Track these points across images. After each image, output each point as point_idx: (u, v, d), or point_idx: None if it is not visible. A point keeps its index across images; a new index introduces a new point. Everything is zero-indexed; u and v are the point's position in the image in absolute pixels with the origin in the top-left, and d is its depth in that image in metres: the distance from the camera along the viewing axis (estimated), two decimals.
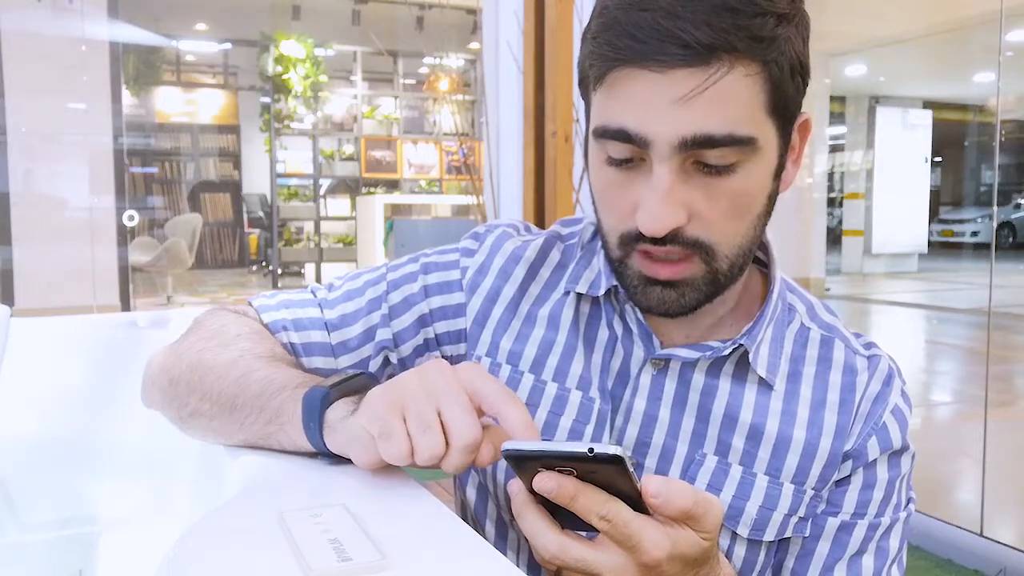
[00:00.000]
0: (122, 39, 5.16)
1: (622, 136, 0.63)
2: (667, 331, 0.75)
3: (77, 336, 1.37)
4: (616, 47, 0.61)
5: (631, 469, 0.51)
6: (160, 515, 0.57)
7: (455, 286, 0.81)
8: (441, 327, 0.81)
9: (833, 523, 0.72)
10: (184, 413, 0.74)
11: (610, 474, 0.51)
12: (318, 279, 8.97)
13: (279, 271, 8.99)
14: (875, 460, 0.72)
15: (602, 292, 0.75)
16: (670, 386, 0.73)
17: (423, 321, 0.81)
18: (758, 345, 0.72)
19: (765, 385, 0.72)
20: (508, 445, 0.52)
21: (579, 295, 0.78)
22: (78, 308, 4.64)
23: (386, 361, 0.82)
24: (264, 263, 10.21)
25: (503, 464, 0.74)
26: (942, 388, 4.72)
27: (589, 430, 0.74)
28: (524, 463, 0.53)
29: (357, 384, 0.67)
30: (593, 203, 0.72)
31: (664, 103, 0.60)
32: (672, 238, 0.64)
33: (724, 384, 0.73)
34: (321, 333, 0.81)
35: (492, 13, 2.90)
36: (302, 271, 9.61)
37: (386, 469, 0.64)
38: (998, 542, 2.35)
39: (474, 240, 0.84)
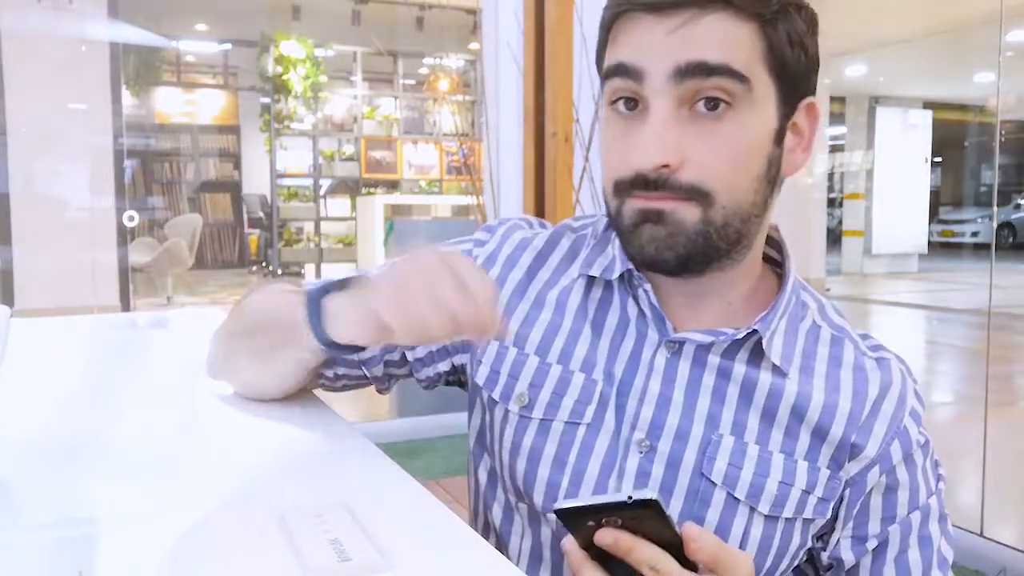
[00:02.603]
0: (122, 39, 5.16)
1: (620, 71, 0.67)
2: (679, 317, 0.75)
3: (77, 336, 1.37)
4: None
5: (668, 512, 0.56)
6: (160, 515, 0.57)
7: None
8: None
9: (871, 544, 0.73)
10: (229, 359, 0.84)
11: (651, 519, 0.56)
12: (318, 279, 8.95)
13: (279, 271, 8.99)
14: (895, 465, 0.73)
15: (616, 276, 0.75)
16: (684, 368, 0.73)
17: None
18: (772, 334, 0.72)
19: (779, 372, 0.73)
20: (558, 505, 0.58)
21: (591, 280, 0.78)
22: (78, 308, 4.64)
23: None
24: (264, 263, 10.20)
25: (508, 445, 0.76)
26: (942, 388, 4.72)
27: (590, 410, 0.74)
28: (572, 519, 0.58)
29: (353, 281, 0.73)
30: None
31: (659, 35, 0.64)
32: (664, 182, 0.65)
33: (739, 368, 0.73)
34: None
35: (492, 13, 2.90)
36: (302, 271, 9.61)
37: (386, 468, 0.64)
38: (998, 542, 2.35)
39: (486, 232, 0.86)
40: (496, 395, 0.78)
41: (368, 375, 0.85)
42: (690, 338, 0.72)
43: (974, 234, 13.37)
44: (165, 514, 0.57)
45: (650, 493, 0.55)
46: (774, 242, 0.79)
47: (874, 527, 0.73)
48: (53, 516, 0.57)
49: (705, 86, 0.64)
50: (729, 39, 0.64)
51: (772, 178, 0.70)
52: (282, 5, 8.32)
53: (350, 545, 0.50)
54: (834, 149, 10.91)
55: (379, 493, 0.60)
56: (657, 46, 0.65)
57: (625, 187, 0.68)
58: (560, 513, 0.58)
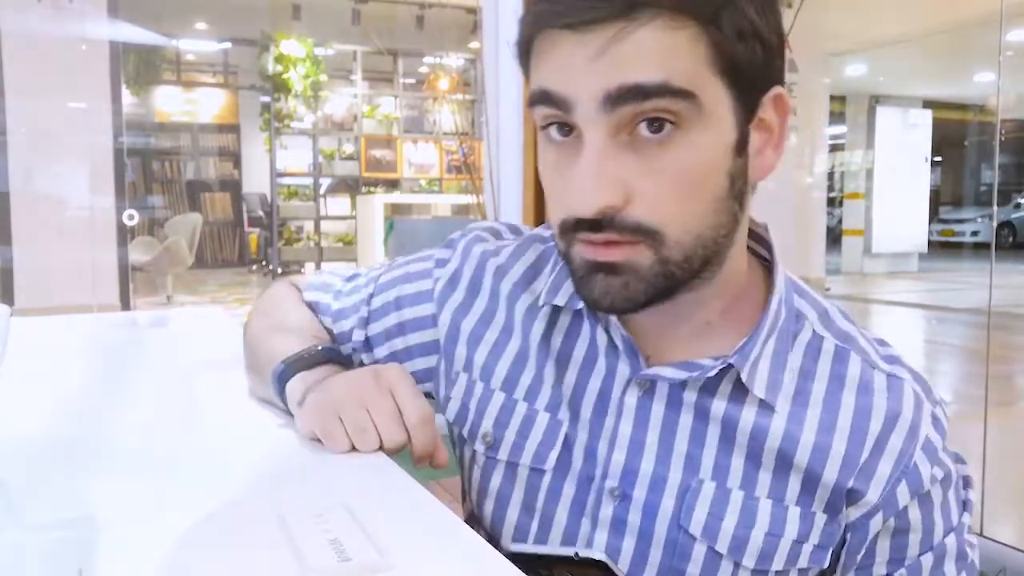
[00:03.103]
0: (122, 39, 5.15)
1: (544, 99, 0.59)
2: (653, 344, 0.68)
3: (77, 336, 1.37)
4: (537, 13, 0.59)
5: (619, 574, 0.58)
6: (160, 515, 0.57)
7: (426, 296, 0.80)
8: (413, 339, 0.80)
9: None
10: (247, 370, 0.87)
11: None
12: None
13: (279, 270, 8.99)
14: (904, 508, 0.65)
15: (582, 304, 0.69)
16: (658, 408, 0.67)
17: (391, 333, 0.81)
18: (755, 362, 0.64)
19: (765, 406, 0.65)
20: (512, 548, 0.62)
21: (558, 307, 0.72)
22: (78, 308, 4.64)
23: (362, 363, 0.83)
24: (264, 262, 10.20)
25: (476, 486, 0.74)
26: (942, 388, 4.72)
27: (553, 455, 0.69)
28: (526, 564, 0.60)
29: (316, 357, 0.74)
30: (535, 192, 0.70)
31: (584, 59, 0.56)
32: (609, 223, 0.58)
33: (719, 404, 0.65)
34: (329, 320, 0.86)
35: (492, 13, 2.90)
36: (302, 270, 9.61)
37: (386, 468, 0.64)
38: (998, 542, 2.34)
39: (447, 248, 0.81)
40: (465, 432, 0.75)
41: None
42: (662, 375, 0.65)
43: (974, 233, 13.37)
44: (165, 514, 0.57)
45: (598, 554, 0.56)
46: (764, 241, 0.71)
47: (880, 569, 0.66)
48: (53, 516, 0.57)
49: (643, 109, 0.56)
50: (665, 51, 0.55)
51: (738, 193, 0.61)
52: (282, 4, 8.31)
53: (350, 545, 0.50)
54: (834, 148, 10.90)
55: (379, 493, 0.60)
56: (582, 71, 0.56)
57: (570, 228, 0.60)
58: (512, 556, 0.59)
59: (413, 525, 0.55)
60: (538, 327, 0.73)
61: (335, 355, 0.76)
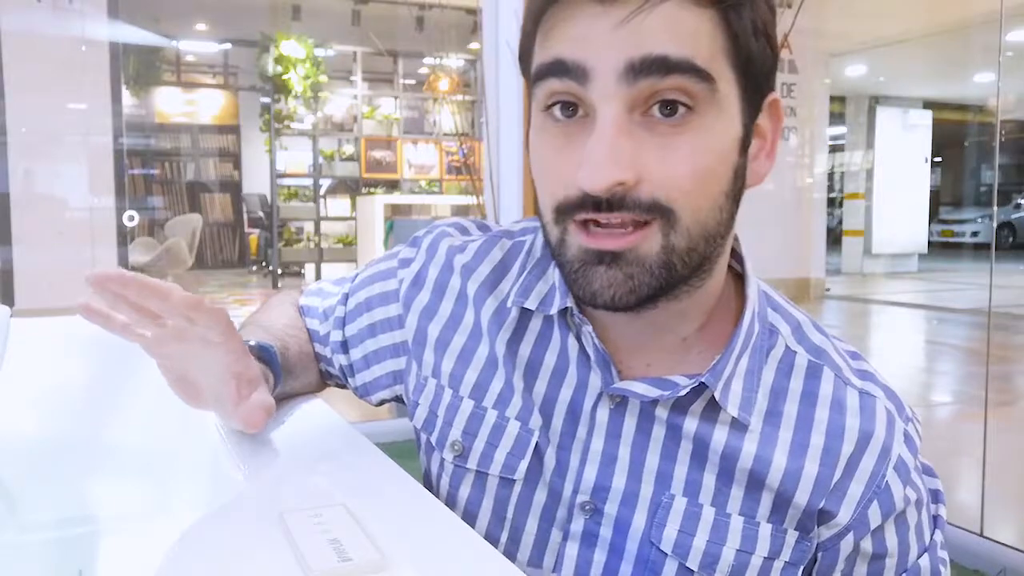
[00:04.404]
0: (122, 39, 5.15)
1: (558, 69, 0.56)
2: (626, 357, 0.67)
3: (77, 336, 1.37)
4: None
5: None
6: (160, 515, 0.57)
7: (392, 297, 0.78)
8: (384, 340, 0.79)
9: None
10: None
11: None
12: (318, 279, 8.98)
13: (279, 271, 8.99)
14: (880, 527, 0.64)
15: (555, 311, 0.67)
16: (630, 423, 0.65)
17: (364, 335, 0.80)
18: (728, 380, 0.63)
19: (738, 425, 0.64)
20: None
21: (528, 313, 0.70)
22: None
23: (341, 365, 0.82)
24: (264, 263, 10.20)
25: (444, 495, 0.73)
26: (942, 388, 4.73)
27: (523, 465, 0.68)
28: None
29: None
30: (535, 193, 0.63)
31: (606, 27, 0.54)
32: (620, 202, 0.55)
33: (691, 422, 0.64)
34: (316, 323, 0.85)
35: (492, 13, 2.90)
36: (302, 271, 9.61)
37: (386, 468, 0.64)
38: (998, 542, 2.34)
39: (412, 247, 0.79)
40: (433, 440, 0.73)
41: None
42: (634, 392, 0.63)
43: (974, 234, 13.36)
44: (165, 514, 0.57)
45: None
46: (736, 254, 0.69)
47: None
48: (53, 516, 0.57)
49: (662, 87, 0.54)
50: (689, 30, 0.54)
51: (737, 193, 0.61)
52: (282, 5, 8.32)
53: (350, 545, 0.50)
54: (834, 149, 10.90)
55: (379, 493, 0.60)
56: (604, 39, 0.54)
57: (570, 209, 0.57)
58: None
59: (413, 525, 0.55)
60: (505, 333, 0.70)
61: (262, 352, 0.73)
